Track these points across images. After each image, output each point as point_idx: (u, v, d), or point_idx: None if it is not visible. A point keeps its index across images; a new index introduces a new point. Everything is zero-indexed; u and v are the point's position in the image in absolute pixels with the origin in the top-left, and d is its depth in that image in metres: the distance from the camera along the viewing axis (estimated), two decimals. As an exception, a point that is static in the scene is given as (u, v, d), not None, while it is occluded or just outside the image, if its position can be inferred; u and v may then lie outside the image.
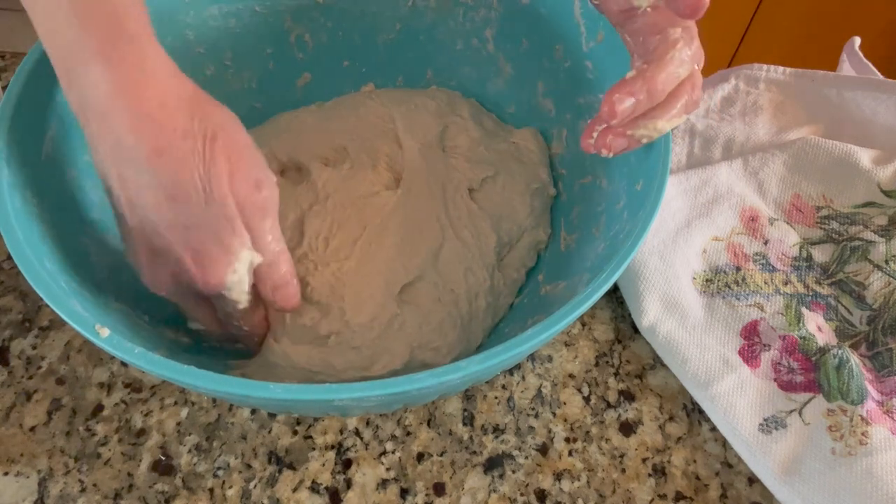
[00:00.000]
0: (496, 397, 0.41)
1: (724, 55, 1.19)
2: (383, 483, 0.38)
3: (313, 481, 0.38)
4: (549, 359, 0.43)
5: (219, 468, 0.38)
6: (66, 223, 0.35)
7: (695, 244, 0.45)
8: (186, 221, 0.30)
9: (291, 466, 0.38)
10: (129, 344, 0.27)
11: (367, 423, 0.40)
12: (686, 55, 0.32)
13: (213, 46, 0.45)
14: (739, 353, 0.41)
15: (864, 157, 0.48)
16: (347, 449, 0.39)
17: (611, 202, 0.39)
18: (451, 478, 0.38)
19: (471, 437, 0.40)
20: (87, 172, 0.38)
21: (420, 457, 0.39)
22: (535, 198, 0.45)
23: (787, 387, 0.39)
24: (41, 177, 0.34)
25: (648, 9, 0.33)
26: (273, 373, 0.38)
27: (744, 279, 0.44)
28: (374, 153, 0.46)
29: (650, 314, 0.42)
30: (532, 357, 0.43)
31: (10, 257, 0.38)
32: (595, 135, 0.34)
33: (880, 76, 0.53)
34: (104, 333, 0.27)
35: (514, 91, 0.49)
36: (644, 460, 0.39)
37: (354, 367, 0.38)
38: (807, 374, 0.40)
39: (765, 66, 0.54)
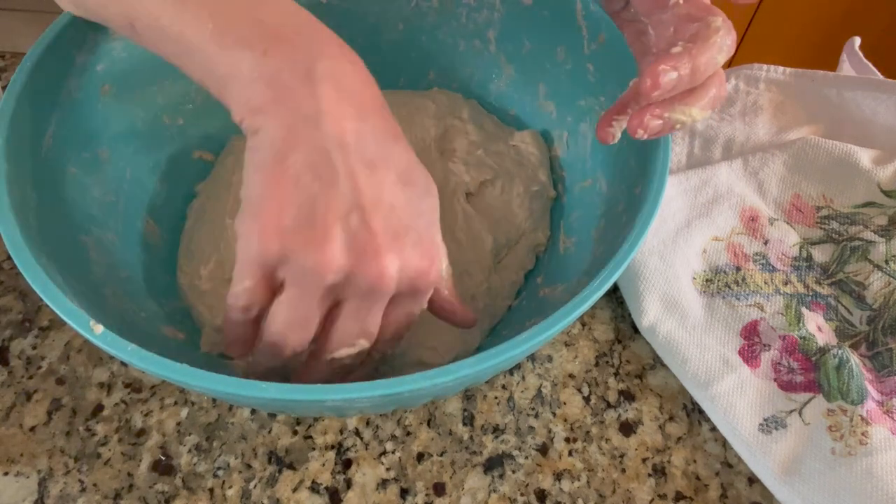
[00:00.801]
0: (496, 397, 0.41)
1: (724, 55, 1.19)
2: (383, 483, 0.38)
3: (313, 481, 0.38)
4: (549, 359, 0.43)
5: (219, 468, 0.38)
6: (66, 220, 0.35)
7: (695, 244, 0.45)
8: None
9: (291, 466, 0.38)
10: (123, 341, 0.27)
11: (367, 423, 0.40)
12: (727, 44, 0.31)
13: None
14: (739, 353, 0.41)
15: (864, 157, 0.48)
16: (347, 449, 0.39)
17: (610, 205, 0.39)
18: (451, 478, 0.38)
19: (471, 437, 0.40)
20: (86, 170, 0.38)
21: (420, 457, 0.39)
22: (534, 200, 0.45)
23: (787, 387, 0.39)
24: (41, 174, 0.34)
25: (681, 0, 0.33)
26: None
27: (744, 279, 0.44)
28: None
29: (650, 314, 0.42)
30: (532, 357, 0.43)
31: (10, 257, 0.38)
32: (614, 124, 0.34)
33: (880, 76, 0.53)
34: (98, 330, 0.27)
35: (515, 93, 0.49)
36: (644, 460, 0.39)
37: None
38: (807, 374, 0.40)
39: (765, 66, 0.54)
